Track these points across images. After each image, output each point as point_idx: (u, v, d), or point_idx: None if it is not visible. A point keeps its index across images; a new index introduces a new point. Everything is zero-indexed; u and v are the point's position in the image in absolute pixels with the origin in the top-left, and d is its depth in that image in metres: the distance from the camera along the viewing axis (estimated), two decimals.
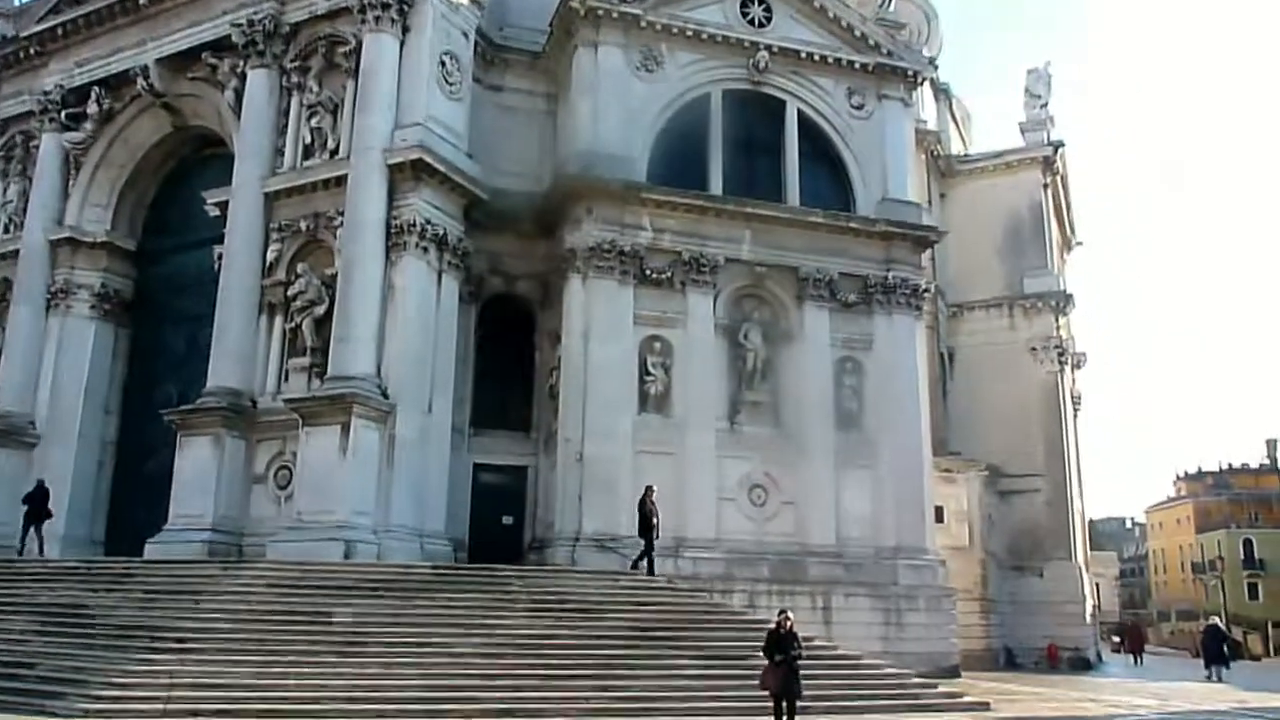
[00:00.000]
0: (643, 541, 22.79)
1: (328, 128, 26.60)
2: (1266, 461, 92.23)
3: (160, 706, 14.77)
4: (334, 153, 26.35)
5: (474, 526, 26.71)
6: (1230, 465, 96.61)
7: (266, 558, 22.38)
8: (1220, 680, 32.24)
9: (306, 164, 26.68)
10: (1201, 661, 35.59)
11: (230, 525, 24.70)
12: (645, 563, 22.68)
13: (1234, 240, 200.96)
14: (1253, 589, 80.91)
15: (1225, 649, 35.77)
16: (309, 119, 26.87)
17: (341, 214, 25.35)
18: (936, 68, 39.86)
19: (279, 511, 24.42)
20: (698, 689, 17.58)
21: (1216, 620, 40.08)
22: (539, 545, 26.19)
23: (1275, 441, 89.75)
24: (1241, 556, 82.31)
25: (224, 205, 27.08)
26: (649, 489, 23.14)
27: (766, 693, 15.22)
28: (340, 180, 25.61)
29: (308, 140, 26.82)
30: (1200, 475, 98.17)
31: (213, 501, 24.52)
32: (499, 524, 27.14)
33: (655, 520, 22.71)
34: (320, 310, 25.43)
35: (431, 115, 26.20)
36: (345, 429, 23.26)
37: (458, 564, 24.24)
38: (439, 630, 18.54)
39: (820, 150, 29.75)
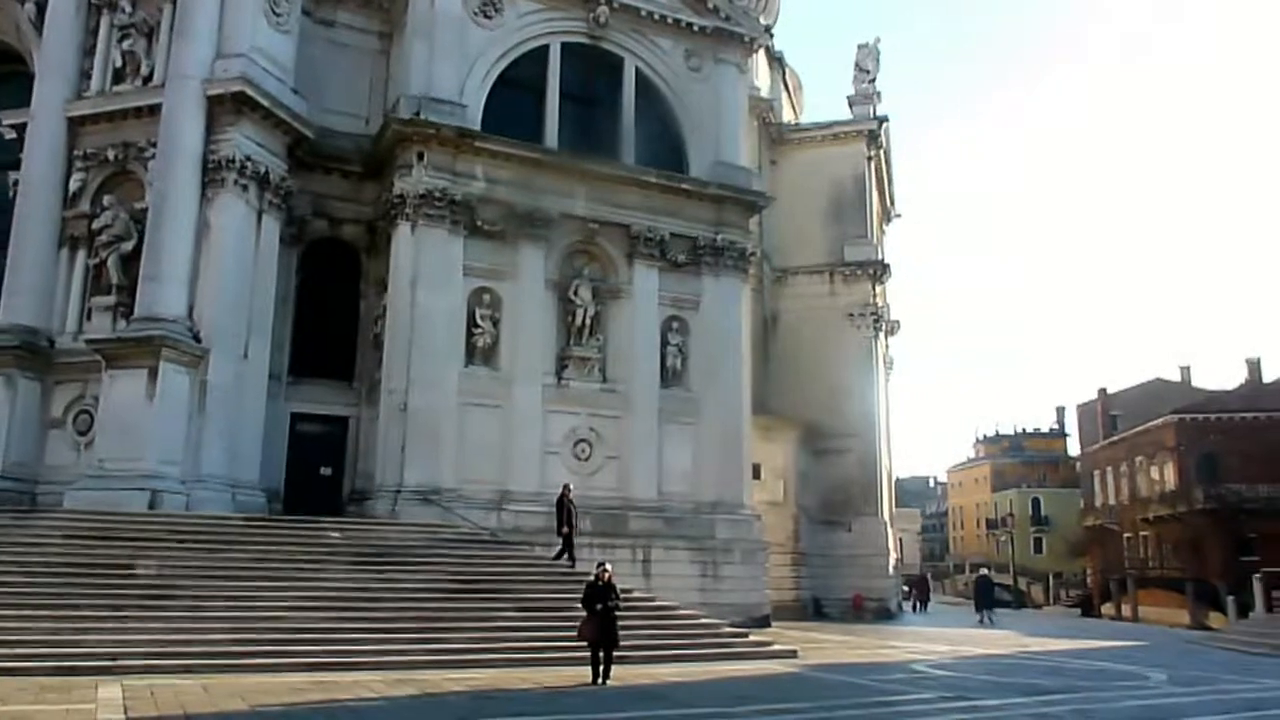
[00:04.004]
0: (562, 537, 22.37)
1: (141, 52, 25.10)
2: (1056, 426, 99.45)
3: None
4: (147, 79, 24.94)
5: (290, 477, 25.98)
6: (1025, 430, 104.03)
7: (63, 507, 21.22)
8: (990, 624, 35.10)
9: (116, 89, 25.15)
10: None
11: (22, 472, 23.35)
12: (567, 556, 22.17)
13: (1034, 219, 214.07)
14: (1038, 543, 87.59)
15: (993, 596, 39.61)
16: (120, 41, 25.29)
17: (154, 145, 24.09)
18: (772, 35, 40.63)
19: (78, 459, 23.21)
20: (517, 640, 17.74)
21: (985, 571, 43.46)
22: (359, 497, 25.71)
23: (1064, 409, 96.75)
24: (1030, 513, 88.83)
25: (21, 128, 25.31)
26: (566, 486, 22.98)
27: (585, 642, 15.55)
28: (154, 109, 24.29)
29: (119, 64, 25.26)
30: (998, 438, 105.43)
31: (2, 446, 23.14)
32: (317, 475, 26.48)
33: (574, 518, 22.42)
34: (128, 246, 24.15)
35: (256, 46, 25.06)
36: (153, 373, 22.23)
37: (273, 515, 23.57)
38: (251, 583, 18.01)
39: (656, 110, 29.97)
